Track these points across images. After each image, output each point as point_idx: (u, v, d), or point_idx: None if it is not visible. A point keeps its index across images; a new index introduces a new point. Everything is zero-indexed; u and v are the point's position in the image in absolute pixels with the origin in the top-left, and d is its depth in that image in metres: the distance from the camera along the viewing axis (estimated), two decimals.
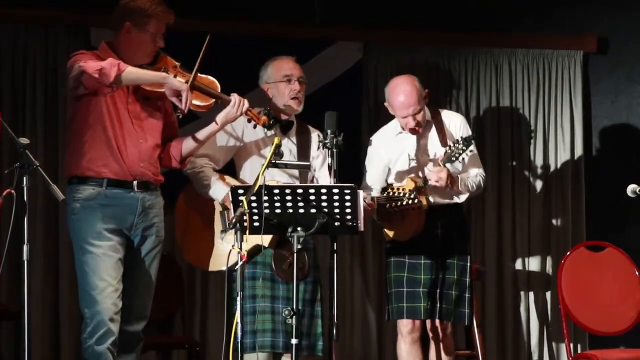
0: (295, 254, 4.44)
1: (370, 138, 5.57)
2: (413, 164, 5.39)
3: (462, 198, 5.44)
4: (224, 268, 4.77)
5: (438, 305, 5.34)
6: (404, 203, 5.15)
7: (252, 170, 5.06)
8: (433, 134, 5.41)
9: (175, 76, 4.68)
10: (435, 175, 5.17)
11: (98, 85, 4.48)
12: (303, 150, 5.16)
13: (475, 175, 5.41)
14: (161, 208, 4.78)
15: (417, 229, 5.27)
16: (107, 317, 4.51)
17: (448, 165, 5.19)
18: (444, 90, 7.00)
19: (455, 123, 5.45)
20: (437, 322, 5.47)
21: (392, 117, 5.54)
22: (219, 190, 4.95)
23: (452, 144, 5.20)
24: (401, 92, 5.31)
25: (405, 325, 5.44)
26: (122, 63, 4.48)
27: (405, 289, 5.35)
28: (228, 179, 5.03)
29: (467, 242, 5.51)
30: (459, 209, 5.48)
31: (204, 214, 5.05)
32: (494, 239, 6.95)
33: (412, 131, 5.34)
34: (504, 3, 6.89)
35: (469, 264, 5.41)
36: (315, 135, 5.24)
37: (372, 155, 5.49)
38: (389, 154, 5.43)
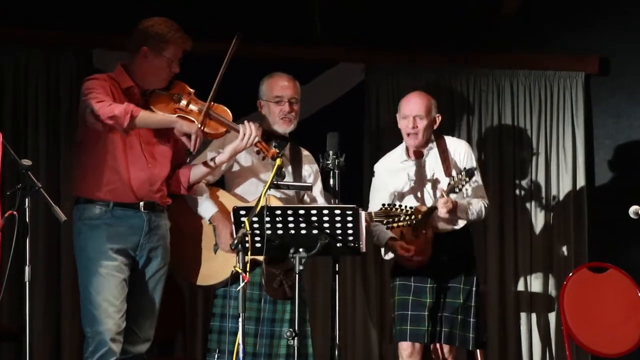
0: (296, 275, 4.43)
1: (375, 166, 5.56)
2: (422, 189, 5.39)
3: (461, 224, 5.43)
4: (214, 283, 4.78)
5: (442, 329, 5.32)
6: (401, 219, 5.14)
7: (247, 188, 5.06)
8: (436, 160, 5.42)
9: (189, 103, 4.71)
10: (443, 207, 5.17)
11: (111, 128, 4.54)
12: (296, 169, 5.16)
13: (477, 203, 5.40)
14: (167, 230, 4.79)
15: (424, 258, 5.28)
16: (108, 337, 4.50)
17: (452, 195, 5.21)
18: (446, 111, 6.98)
19: (460, 152, 5.46)
20: (442, 346, 5.43)
21: (394, 137, 5.54)
22: (207, 209, 4.95)
23: (455, 175, 5.22)
24: (415, 95, 5.44)
25: (405, 349, 5.42)
26: (135, 108, 4.51)
27: (409, 312, 5.34)
28: (221, 194, 5.02)
29: (474, 267, 5.49)
30: (465, 234, 5.47)
31: (193, 227, 5.03)
32: (495, 260, 6.94)
33: (410, 139, 5.35)
34: (506, 24, 6.90)
35: (474, 289, 5.40)
36: (306, 156, 5.25)
37: (378, 183, 5.49)
38: (395, 181, 5.43)
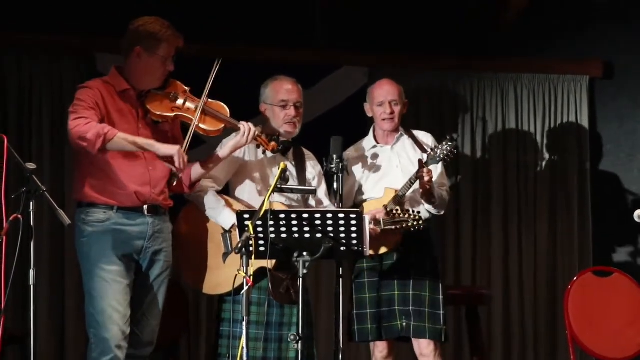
0: (301, 279, 4.43)
1: (345, 154, 5.39)
2: (396, 174, 5.37)
3: (427, 212, 5.41)
4: (223, 292, 4.77)
5: (412, 322, 5.29)
6: (409, 224, 5.12)
7: (251, 191, 5.04)
8: (409, 144, 5.44)
9: (185, 101, 4.70)
10: (426, 175, 5.16)
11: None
12: (301, 172, 5.15)
13: (440, 188, 5.40)
14: (170, 233, 4.78)
15: (398, 240, 5.25)
16: (113, 344, 4.49)
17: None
18: (450, 114, 7.01)
19: (428, 141, 5.49)
20: (422, 343, 5.37)
21: None
22: (227, 218, 4.92)
23: (436, 146, 5.24)
24: (385, 83, 5.47)
25: (380, 351, 5.40)
26: (109, 132, 4.44)
27: (381, 309, 5.30)
28: (234, 204, 5.01)
29: (437, 259, 5.48)
30: (427, 232, 5.41)
31: (204, 236, 5.01)
32: (500, 264, 6.94)
33: (386, 123, 5.36)
34: (510, 28, 6.90)
35: (440, 282, 5.38)
36: (309, 157, 5.25)
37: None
38: (362, 168, 5.42)
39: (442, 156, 5.21)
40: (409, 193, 5.24)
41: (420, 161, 5.20)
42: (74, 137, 4.44)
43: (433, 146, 5.32)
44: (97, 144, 4.41)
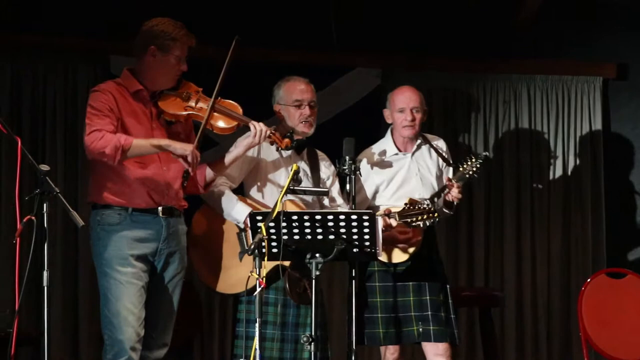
0: (314, 280, 4.43)
1: (361, 157, 5.37)
2: (415, 182, 5.37)
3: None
4: (240, 291, 4.77)
5: (431, 327, 5.28)
6: (424, 217, 5.10)
7: (266, 191, 5.05)
8: (424, 155, 5.43)
9: (198, 101, 4.70)
10: (456, 192, 5.17)
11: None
12: (315, 172, 5.16)
13: None
14: (184, 235, 4.78)
15: (418, 243, 5.25)
16: (128, 345, 4.49)
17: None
18: (462, 116, 7.01)
19: (442, 147, 5.48)
20: (440, 346, 5.36)
21: None
22: (241, 211, 4.93)
23: (464, 162, 5.24)
24: (406, 89, 5.42)
25: (392, 353, 5.38)
26: (126, 141, 4.46)
27: (397, 315, 5.30)
28: (249, 201, 5.02)
29: (442, 264, 5.48)
30: (432, 230, 5.43)
31: (219, 236, 5.02)
32: (513, 265, 6.93)
33: (406, 130, 5.35)
34: (523, 30, 6.89)
35: (448, 286, 5.38)
36: (322, 158, 5.25)
37: (363, 176, 5.41)
38: (381, 175, 5.41)
39: (471, 173, 5.23)
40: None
41: (448, 178, 5.20)
42: (92, 153, 4.46)
43: (463, 160, 5.29)
44: (117, 156, 4.44)
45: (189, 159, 4.52)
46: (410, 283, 5.29)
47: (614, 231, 6.96)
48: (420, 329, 5.23)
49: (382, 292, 5.30)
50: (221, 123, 4.72)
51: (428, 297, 5.27)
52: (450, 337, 5.27)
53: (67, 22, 6.39)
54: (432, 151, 5.44)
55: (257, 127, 4.74)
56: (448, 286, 5.35)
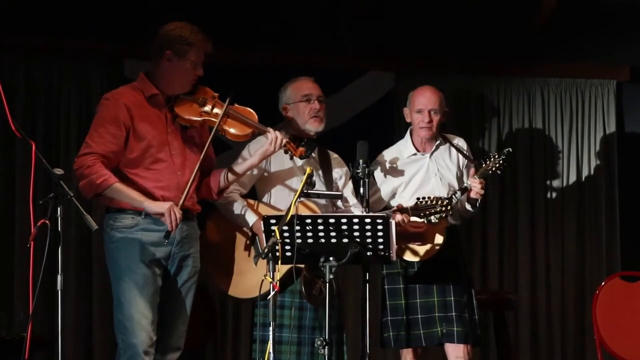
0: (327, 284, 4.42)
1: (377, 159, 5.40)
2: (434, 182, 5.36)
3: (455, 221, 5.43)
4: (255, 296, 4.76)
5: (455, 329, 5.26)
6: (437, 210, 5.08)
7: (279, 195, 5.03)
8: (444, 155, 5.43)
9: (213, 107, 4.70)
10: (479, 187, 5.17)
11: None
12: (327, 173, 5.14)
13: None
14: (197, 239, 4.78)
15: (440, 244, 5.23)
16: (141, 349, 4.48)
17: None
18: (476, 118, 7.00)
19: (463, 146, 5.47)
20: (457, 348, 5.35)
21: None
22: (250, 217, 4.92)
23: (487, 159, 5.24)
24: (426, 89, 5.41)
25: (412, 356, 5.38)
26: (103, 182, 4.47)
27: (420, 316, 5.29)
28: (261, 206, 5.02)
29: (466, 264, 5.48)
30: (455, 231, 5.44)
31: (233, 240, 5.02)
32: (526, 268, 6.92)
33: (423, 131, 5.34)
34: (538, 33, 6.88)
35: (471, 286, 5.38)
36: (334, 158, 5.23)
37: (381, 176, 5.39)
38: (400, 175, 5.41)
39: (494, 169, 5.23)
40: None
41: (472, 174, 5.21)
42: (76, 173, 4.54)
43: (486, 156, 5.31)
44: (88, 194, 4.51)
45: (166, 219, 4.49)
46: (434, 284, 5.28)
47: (628, 234, 6.94)
48: (444, 330, 5.23)
49: (406, 294, 5.30)
50: (235, 130, 4.71)
51: (452, 298, 5.26)
52: (474, 339, 5.27)
53: (81, 26, 6.40)
54: (452, 151, 5.43)
55: (274, 135, 4.74)
56: (472, 289, 5.34)
